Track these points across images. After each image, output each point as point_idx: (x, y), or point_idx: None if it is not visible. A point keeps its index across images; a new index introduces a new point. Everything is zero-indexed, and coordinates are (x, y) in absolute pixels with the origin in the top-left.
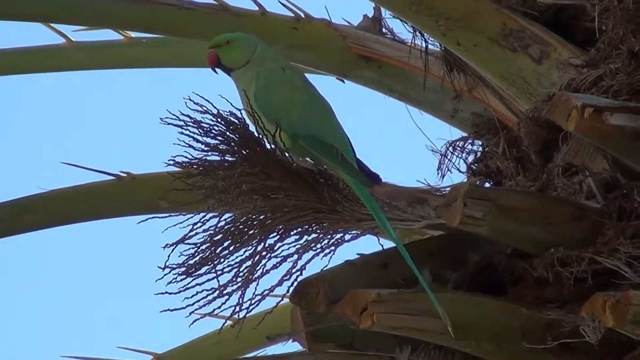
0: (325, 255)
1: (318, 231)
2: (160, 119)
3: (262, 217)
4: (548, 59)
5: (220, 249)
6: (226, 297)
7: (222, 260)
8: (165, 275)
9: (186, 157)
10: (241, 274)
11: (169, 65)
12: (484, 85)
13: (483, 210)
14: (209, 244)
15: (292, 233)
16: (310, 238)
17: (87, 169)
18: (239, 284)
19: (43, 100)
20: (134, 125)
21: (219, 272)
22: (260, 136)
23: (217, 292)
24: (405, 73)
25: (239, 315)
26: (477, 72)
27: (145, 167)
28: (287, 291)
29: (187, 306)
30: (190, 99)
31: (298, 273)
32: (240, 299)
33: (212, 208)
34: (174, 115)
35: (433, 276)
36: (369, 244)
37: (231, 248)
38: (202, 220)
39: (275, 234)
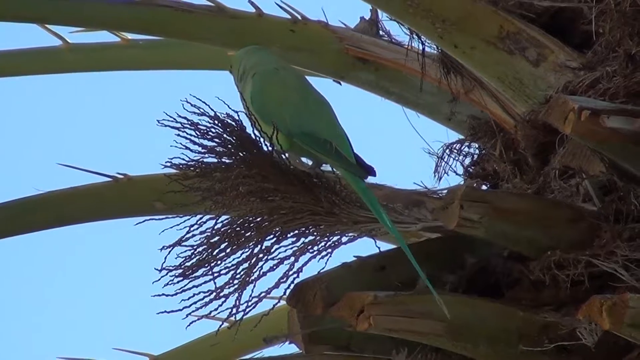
0: (322, 257)
1: (315, 233)
2: (158, 120)
3: (259, 219)
4: (545, 62)
5: (217, 251)
6: (223, 299)
7: (219, 262)
8: (162, 277)
9: (183, 159)
10: (238, 276)
11: (166, 67)
12: (481, 88)
13: (480, 212)
14: (205, 246)
15: (289, 235)
16: (307, 240)
17: (83, 171)
18: (236, 286)
19: (39, 102)
20: (131, 127)
21: (215, 274)
22: (258, 138)
23: (214, 294)
24: (402, 75)
25: (235, 318)
26: (474, 74)
27: (141, 168)
28: (284, 293)
29: (183, 308)
30: (187, 101)
31: (295, 275)
32: (237, 301)
33: (209, 210)
34: (171, 117)
35: (430, 279)
36: (366, 247)
37: (228, 250)
38: (199, 222)
39: (272, 236)
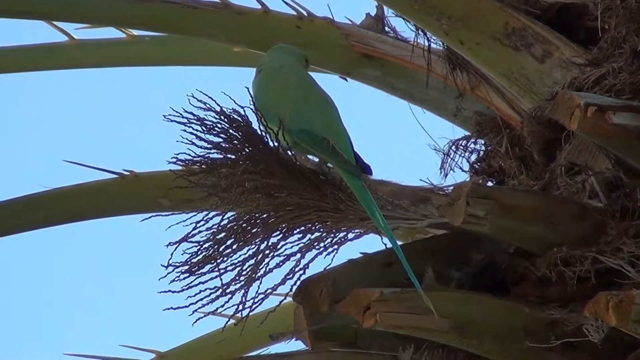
0: (329, 254)
1: (321, 230)
2: (164, 116)
3: (265, 215)
4: (551, 58)
5: (223, 247)
6: (229, 295)
7: (225, 258)
8: (168, 273)
9: (189, 155)
10: (244, 272)
11: (172, 63)
12: (487, 84)
13: (486, 209)
14: (211, 243)
15: (295, 232)
16: (313, 237)
17: (89, 167)
18: (242, 282)
19: (45, 98)
20: (137, 123)
21: (222, 271)
22: (264, 134)
23: (220, 290)
24: (408, 72)
25: (242, 314)
26: (479, 70)
27: (148, 165)
28: (290, 290)
29: (190, 304)
30: (193, 97)
31: (301, 272)
32: (243, 298)
33: (215, 206)
34: (177, 112)
35: (436, 275)
36: (372, 243)
37: (234, 246)
38: (205, 219)
39: (278, 232)
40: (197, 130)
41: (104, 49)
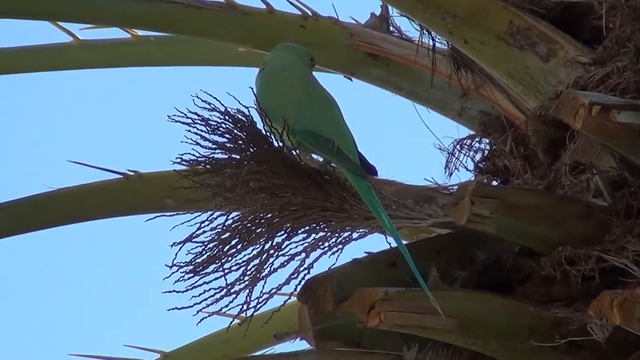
0: (333, 253)
1: (326, 229)
2: (168, 116)
3: (269, 215)
4: (555, 57)
5: (227, 247)
6: (234, 295)
7: (229, 258)
8: (172, 273)
9: (193, 155)
10: (249, 272)
11: (177, 63)
12: (492, 83)
13: (490, 208)
14: (216, 242)
15: (299, 231)
16: (317, 236)
17: (94, 168)
18: (247, 282)
19: (50, 98)
20: (142, 123)
21: (226, 271)
22: (268, 134)
23: (225, 290)
24: (412, 71)
25: (246, 314)
26: (484, 70)
27: (152, 165)
28: (295, 290)
29: (194, 304)
30: (198, 97)
31: (306, 271)
32: (248, 298)
33: (219, 206)
34: (181, 112)
35: (440, 274)
36: (376, 242)
37: (239, 246)
38: (209, 219)
39: (282, 232)
40: (201, 130)
41: (108, 49)
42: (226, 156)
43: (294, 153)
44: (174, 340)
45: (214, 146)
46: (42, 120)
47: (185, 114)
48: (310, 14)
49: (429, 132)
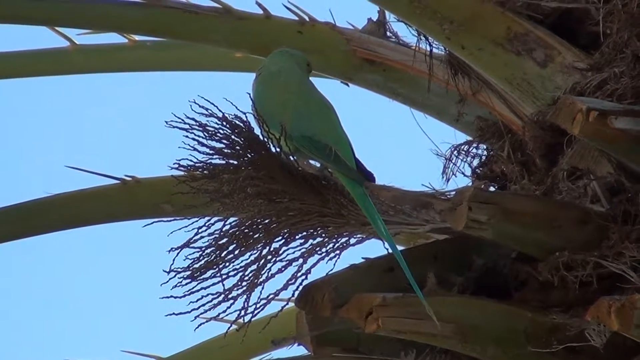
0: (331, 259)
1: (323, 235)
2: (166, 122)
3: (267, 221)
4: (552, 63)
5: (225, 252)
6: (231, 301)
7: (227, 264)
8: (170, 279)
9: (191, 161)
10: (246, 277)
11: (174, 68)
12: (489, 89)
13: (488, 214)
14: (214, 248)
15: (297, 237)
16: (315, 242)
17: (92, 173)
18: (244, 288)
19: (47, 103)
20: (139, 128)
21: (224, 276)
22: (266, 139)
23: (222, 296)
24: (409, 77)
25: (244, 319)
26: (481, 75)
27: (150, 171)
28: (293, 295)
29: (192, 310)
30: (195, 102)
31: (303, 277)
32: (246, 303)
33: (217, 212)
34: (179, 118)
35: (438, 280)
36: (374, 248)
37: (236, 252)
38: (207, 224)
39: (280, 237)
40: (199, 136)
41: (105, 54)
42: (224, 162)
43: (292, 159)
44: (171, 345)
45: (211, 152)
46: (40, 125)
47: (182, 120)
48: (307, 19)
49: (426, 137)
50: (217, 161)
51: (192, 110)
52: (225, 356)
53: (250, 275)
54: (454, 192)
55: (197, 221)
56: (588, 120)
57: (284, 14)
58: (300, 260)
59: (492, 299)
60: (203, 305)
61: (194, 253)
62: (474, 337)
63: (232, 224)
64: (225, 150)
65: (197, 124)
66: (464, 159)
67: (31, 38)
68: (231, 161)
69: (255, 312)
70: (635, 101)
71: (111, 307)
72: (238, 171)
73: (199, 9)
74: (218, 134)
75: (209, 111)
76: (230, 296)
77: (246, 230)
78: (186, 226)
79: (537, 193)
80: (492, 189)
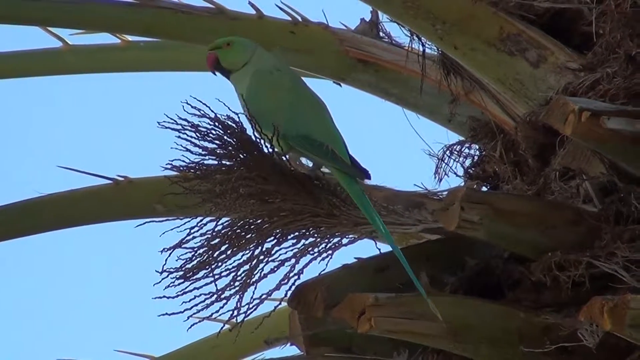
0: (323, 259)
1: (315, 235)
2: (158, 122)
3: (259, 221)
4: (545, 63)
5: (217, 253)
6: (224, 301)
7: (219, 264)
8: (163, 279)
9: (183, 161)
10: (239, 278)
11: (167, 68)
12: (481, 89)
13: (480, 214)
14: (206, 248)
15: (289, 237)
16: (307, 242)
17: (84, 173)
18: (237, 288)
19: (40, 103)
20: (131, 128)
21: (216, 276)
22: (258, 140)
23: (215, 296)
24: (402, 77)
25: (237, 319)
26: (474, 75)
27: (142, 171)
28: (285, 295)
29: (184, 310)
30: (187, 103)
31: (296, 277)
32: (238, 303)
33: (209, 212)
34: (171, 119)
35: (430, 280)
36: (366, 248)
37: (229, 252)
38: (199, 225)
39: (272, 238)
40: (191, 136)
41: (98, 55)
42: (216, 162)
43: (284, 159)
44: (164, 345)
45: (203, 152)
46: (32, 125)
47: (175, 121)
48: (300, 19)
49: (418, 137)
50: (210, 162)
51: (185, 111)
52: (218, 355)
53: (242, 275)
54: (446, 192)
55: (189, 221)
56: (580, 121)
57: (277, 14)
58: (293, 260)
59: (484, 299)
60: (196, 305)
61: (186, 253)
62: (467, 336)
63: (225, 224)
64: (218, 151)
65: (190, 125)
66: (457, 159)
67: (24, 38)
68: (223, 162)
69: (248, 312)
70: (627, 101)
71: (104, 306)
72: (230, 172)
73: (192, 9)
74: (210, 135)
75: (201, 111)
76: (223, 296)
77: (238, 231)
78: (178, 227)
79: (530, 193)
80: (484, 189)
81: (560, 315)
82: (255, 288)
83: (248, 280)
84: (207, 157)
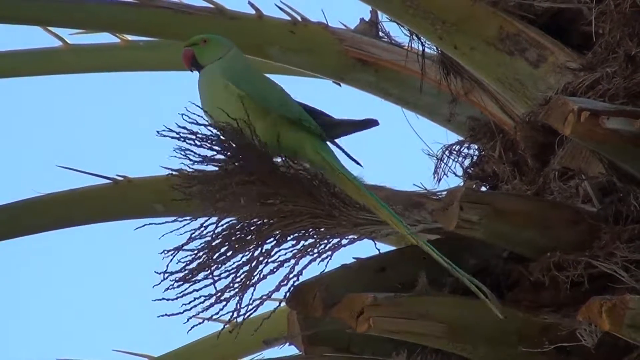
0: (322, 259)
1: (315, 236)
2: (157, 132)
3: (259, 222)
4: (545, 63)
5: (217, 254)
6: (224, 302)
7: (219, 265)
8: (162, 281)
9: (183, 170)
10: (238, 279)
11: (166, 68)
12: (481, 89)
13: (479, 214)
14: (206, 250)
15: (289, 238)
16: (307, 243)
17: (83, 173)
18: (237, 289)
19: (39, 103)
20: (131, 128)
21: (216, 278)
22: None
23: (215, 297)
24: (401, 77)
25: (236, 320)
26: (473, 75)
27: (141, 170)
28: (284, 296)
29: (184, 311)
30: (186, 109)
31: (295, 278)
32: (238, 304)
33: (209, 214)
34: (168, 129)
35: (429, 280)
36: (365, 249)
37: (228, 254)
38: (199, 227)
39: (272, 239)
40: (190, 142)
41: (98, 54)
42: (215, 167)
43: (283, 159)
44: (162, 345)
45: (202, 158)
46: (31, 125)
47: (172, 130)
48: (299, 19)
49: (418, 137)
50: (209, 167)
51: (183, 119)
52: (218, 355)
53: (242, 276)
54: (445, 192)
55: (189, 223)
56: (580, 121)
57: (277, 14)
58: (292, 261)
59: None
60: (195, 306)
61: (186, 256)
62: (465, 336)
63: (224, 225)
64: (217, 156)
65: (188, 132)
66: (456, 159)
67: (23, 38)
68: (223, 166)
69: (248, 313)
70: (627, 101)
71: (102, 306)
72: (230, 176)
73: (191, 9)
74: (209, 140)
75: (201, 117)
76: (222, 297)
77: (238, 232)
78: (178, 229)
79: (529, 193)
80: (483, 189)
81: (559, 316)
82: (255, 289)
83: (248, 282)
84: (206, 164)
